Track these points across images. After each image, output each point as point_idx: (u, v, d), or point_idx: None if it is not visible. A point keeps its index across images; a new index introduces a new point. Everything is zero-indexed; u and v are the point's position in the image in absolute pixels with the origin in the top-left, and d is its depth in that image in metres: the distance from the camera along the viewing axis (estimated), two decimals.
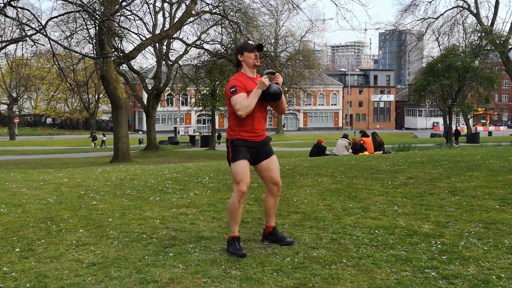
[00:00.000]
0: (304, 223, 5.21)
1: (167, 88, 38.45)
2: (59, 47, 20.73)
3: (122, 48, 21.97)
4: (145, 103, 36.75)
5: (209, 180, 8.51)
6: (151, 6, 31.54)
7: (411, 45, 47.51)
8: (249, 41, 4.49)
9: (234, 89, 4.21)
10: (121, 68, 30.34)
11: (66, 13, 21.08)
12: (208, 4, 28.26)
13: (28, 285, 3.57)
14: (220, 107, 39.60)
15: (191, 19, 29.94)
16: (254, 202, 6.33)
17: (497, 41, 38.63)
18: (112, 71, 22.96)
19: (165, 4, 33.24)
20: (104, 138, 46.34)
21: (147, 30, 31.83)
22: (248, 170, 4.32)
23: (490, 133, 65.12)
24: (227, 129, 4.46)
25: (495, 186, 7.18)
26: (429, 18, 42.43)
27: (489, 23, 40.34)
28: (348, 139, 17.59)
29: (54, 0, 47.66)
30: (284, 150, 35.57)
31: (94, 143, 45.09)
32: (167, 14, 34.92)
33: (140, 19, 25.92)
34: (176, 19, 30.52)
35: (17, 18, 15.47)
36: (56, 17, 20.73)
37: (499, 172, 8.53)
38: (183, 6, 29.93)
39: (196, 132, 60.95)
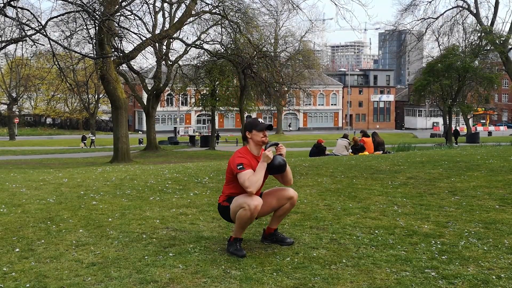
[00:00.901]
0: (304, 223, 5.21)
1: (167, 88, 38.46)
2: (59, 47, 20.71)
3: (122, 48, 21.96)
4: (145, 103, 36.75)
5: (209, 180, 8.51)
6: (151, 6, 31.54)
7: (411, 45, 47.52)
8: (259, 119, 4.45)
9: (241, 166, 4.18)
10: (121, 68, 30.32)
11: (66, 13, 21.07)
12: (208, 4, 28.28)
13: (28, 285, 3.57)
14: (220, 107, 39.62)
15: (191, 19, 29.95)
16: None
17: (497, 41, 38.65)
18: (112, 71, 22.95)
19: (165, 4, 33.26)
20: (93, 138, 46.07)
21: (147, 30, 31.84)
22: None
23: (490, 133, 65.11)
24: (220, 197, 4.44)
25: (495, 186, 7.18)
26: (429, 18, 42.47)
27: (489, 23, 40.37)
28: (348, 139, 17.59)
29: (54, 0, 47.69)
30: None
31: (84, 143, 44.76)
32: (167, 14, 34.96)
33: (140, 19, 25.89)
34: (176, 19, 30.53)
35: (17, 18, 15.46)
36: (56, 17, 20.73)
37: (499, 172, 8.53)
38: (183, 6, 29.93)
39: (196, 132, 60.93)
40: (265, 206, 4.34)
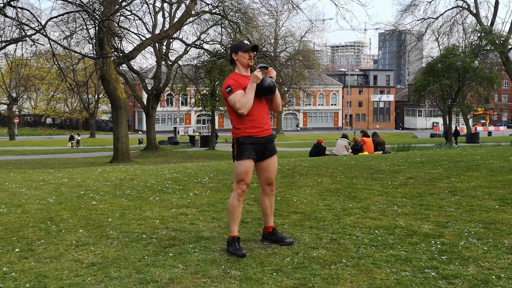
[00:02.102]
0: (304, 223, 5.21)
1: (167, 88, 38.45)
2: (59, 47, 20.72)
3: (122, 48, 21.95)
4: (145, 103, 36.75)
5: (209, 180, 8.51)
6: (150, 6, 31.55)
7: (411, 45, 47.55)
8: (244, 41, 4.46)
9: (229, 88, 4.19)
10: (121, 68, 30.32)
11: (65, 13, 21.08)
12: (208, 4, 28.28)
13: (28, 285, 3.57)
14: (220, 107, 39.60)
15: (191, 19, 29.95)
16: (254, 202, 6.33)
17: (497, 41, 38.66)
18: (112, 71, 22.96)
19: (165, 4, 33.24)
20: (79, 138, 45.81)
21: (147, 30, 31.88)
22: (251, 170, 4.32)
23: (489, 133, 65.10)
24: (232, 129, 4.43)
25: (494, 186, 7.18)
26: (429, 18, 42.51)
27: (489, 23, 40.38)
28: (347, 139, 17.59)
29: (54, 0, 47.67)
30: (284, 150, 35.56)
31: (71, 143, 44.31)
32: (166, 14, 34.93)
33: (140, 19, 25.97)
34: (176, 19, 30.52)
35: (16, 18, 15.46)
36: (56, 17, 20.75)
37: (499, 172, 8.53)
38: (183, 6, 29.94)
39: (196, 132, 60.91)
40: (263, 167, 4.41)
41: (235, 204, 4.29)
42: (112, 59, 23.16)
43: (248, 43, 4.39)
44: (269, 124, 4.43)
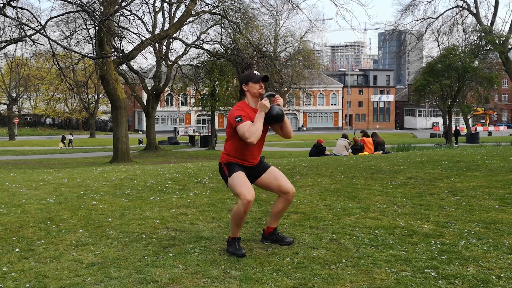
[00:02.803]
0: (304, 223, 5.21)
1: (166, 88, 38.44)
2: (59, 47, 20.72)
3: (121, 48, 21.95)
4: (145, 103, 36.74)
5: (209, 180, 8.51)
6: (150, 6, 31.55)
7: (411, 45, 47.52)
8: (254, 72, 4.41)
9: (239, 118, 4.16)
10: (120, 68, 30.31)
11: (65, 13, 21.08)
12: (207, 4, 28.26)
13: (27, 285, 3.57)
14: (220, 107, 39.59)
15: (191, 19, 29.93)
16: (254, 202, 6.31)
17: (497, 41, 38.65)
18: (111, 71, 22.95)
19: (165, 4, 33.24)
20: (71, 138, 45.55)
21: (147, 30, 31.85)
22: (247, 181, 4.25)
23: (489, 133, 65.11)
24: (222, 153, 4.42)
25: (494, 186, 7.18)
26: (429, 18, 42.48)
27: (489, 23, 40.38)
28: (347, 139, 17.59)
29: (54, 0, 47.69)
30: (284, 150, 35.58)
31: (63, 143, 43.85)
32: (166, 14, 34.92)
33: (140, 19, 25.95)
34: (176, 19, 30.51)
35: (16, 18, 15.46)
36: (56, 17, 20.74)
37: (499, 172, 8.53)
38: (183, 6, 29.93)
39: (196, 132, 60.92)
40: (265, 181, 4.37)
41: (241, 214, 4.19)
42: (112, 59, 23.15)
43: (258, 73, 4.36)
44: (259, 155, 4.44)
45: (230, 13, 28.01)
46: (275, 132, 4.55)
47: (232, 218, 4.27)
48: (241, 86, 4.37)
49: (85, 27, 21.13)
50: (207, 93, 38.24)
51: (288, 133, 4.47)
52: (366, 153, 16.23)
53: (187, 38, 48.63)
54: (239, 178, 4.22)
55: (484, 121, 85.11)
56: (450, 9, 44.27)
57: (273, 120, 4.29)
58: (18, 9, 15.98)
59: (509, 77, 45.46)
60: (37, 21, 17.31)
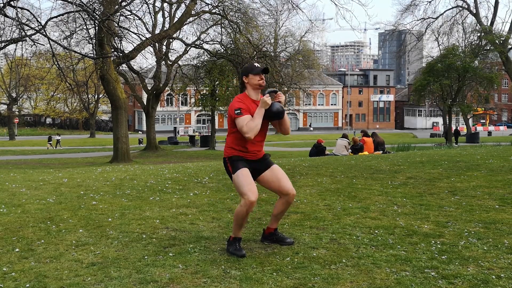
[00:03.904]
0: (304, 223, 5.21)
1: (166, 88, 38.44)
2: (59, 47, 20.73)
3: (121, 48, 21.95)
4: (145, 103, 36.74)
5: (209, 180, 8.51)
6: (150, 6, 31.54)
7: (411, 45, 47.53)
8: (255, 63, 4.41)
9: (239, 111, 4.16)
10: (120, 68, 30.33)
11: (65, 13, 21.09)
12: (207, 4, 28.26)
13: (28, 285, 3.57)
14: (220, 107, 39.57)
15: (191, 19, 29.94)
16: None
17: (497, 41, 38.67)
18: (111, 71, 22.96)
19: (165, 4, 33.25)
20: (59, 138, 45.12)
21: (147, 30, 31.88)
22: (251, 179, 4.24)
23: (489, 133, 65.11)
24: (225, 147, 4.42)
25: (494, 186, 7.18)
26: (429, 18, 42.49)
27: (489, 23, 40.39)
28: (347, 139, 17.59)
29: (54, 0, 47.68)
30: (284, 150, 35.58)
31: (50, 143, 43.24)
32: (166, 14, 34.94)
33: (140, 19, 26.00)
34: (176, 19, 30.52)
35: (16, 18, 15.46)
36: (56, 17, 20.74)
37: (499, 172, 8.53)
38: (183, 6, 29.93)
39: (196, 132, 60.92)
40: (266, 179, 4.36)
41: (243, 214, 4.19)
42: (112, 59, 23.16)
43: (258, 65, 4.35)
44: (261, 151, 4.43)
45: (230, 13, 28.01)
46: (275, 132, 4.56)
47: (234, 218, 4.28)
48: (242, 78, 4.37)
49: (85, 27, 21.13)
50: (207, 93, 38.23)
51: (286, 129, 4.49)
52: (366, 153, 16.23)
53: (187, 38, 48.71)
54: (243, 176, 4.21)
55: (484, 121, 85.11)
56: (450, 9, 44.33)
57: (273, 117, 4.30)
58: (18, 9, 15.99)
59: (509, 77, 45.48)
60: (37, 21, 17.31)
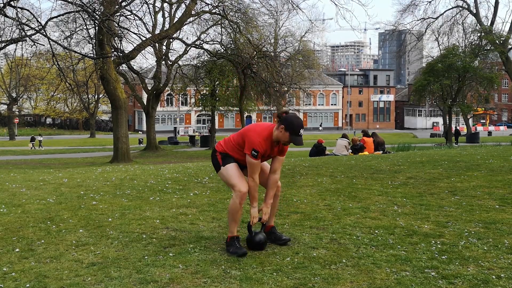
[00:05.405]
0: (304, 223, 5.21)
1: (166, 88, 38.45)
2: (59, 47, 20.74)
3: (121, 48, 21.94)
4: (145, 103, 36.76)
5: (209, 180, 8.51)
6: (150, 6, 31.55)
7: (411, 45, 47.54)
8: (300, 132, 4.18)
9: (256, 154, 4.16)
10: (121, 68, 30.33)
11: (65, 13, 21.09)
12: (207, 4, 28.26)
13: (28, 285, 3.57)
14: (220, 107, 39.58)
15: (191, 19, 29.95)
16: None
17: (497, 41, 38.67)
18: (111, 71, 22.96)
19: (165, 4, 33.26)
20: (41, 139, 44.67)
21: (147, 30, 31.85)
22: (240, 172, 4.29)
23: (490, 133, 65.11)
24: (219, 143, 4.45)
25: (495, 186, 7.18)
26: (429, 18, 42.50)
27: (489, 23, 40.39)
28: (347, 139, 17.59)
29: (54, 0, 47.68)
30: None
31: (33, 143, 42.92)
32: (166, 14, 34.96)
33: (140, 19, 25.93)
34: (176, 19, 30.52)
35: (16, 18, 15.46)
36: (56, 17, 20.75)
37: (499, 172, 8.53)
38: (183, 6, 29.94)
39: (196, 132, 60.93)
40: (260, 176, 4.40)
41: (237, 207, 4.23)
42: (112, 59, 23.16)
43: (302, 131, 4.21)
44: None
45: (230, 13, 28.00)
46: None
47: (229, 214, 4.30)
48: (283, 124, 4.15)
49: (85, 27, 21.14)
50: (207, 93, 38.25)
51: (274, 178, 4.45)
52: (366, 153, 16.23)
53: (187, 38, 48.62)
54: (233, 170, 4.27)
55: (484, 121, 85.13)
56: (450, 9, 44.32)
57: (254, 247, 4.30)
58: (18, 9, 16.00)
59: (509, 77, 45.47)
60: (37, 21, 17.31)
